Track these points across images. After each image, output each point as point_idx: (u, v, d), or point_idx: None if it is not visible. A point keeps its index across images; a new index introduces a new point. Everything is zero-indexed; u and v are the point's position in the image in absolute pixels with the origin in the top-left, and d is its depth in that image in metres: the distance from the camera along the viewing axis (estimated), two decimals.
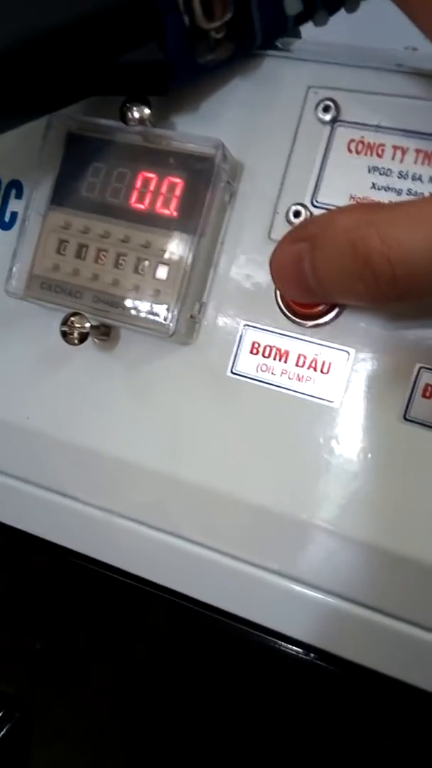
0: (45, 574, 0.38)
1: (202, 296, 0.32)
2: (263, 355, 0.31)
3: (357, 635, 0.30)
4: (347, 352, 0.30)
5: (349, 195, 0.30)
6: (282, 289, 0.30)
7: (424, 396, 0.29)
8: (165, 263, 0.31)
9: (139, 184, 0.32)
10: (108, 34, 0.29)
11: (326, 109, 0.30)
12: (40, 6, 0.27)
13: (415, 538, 0.29)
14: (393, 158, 0.30)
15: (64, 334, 0.31)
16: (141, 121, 0.31)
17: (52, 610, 0.38)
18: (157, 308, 0.31)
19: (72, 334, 0.31)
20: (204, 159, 0.30)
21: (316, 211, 0.30)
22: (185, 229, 0.31)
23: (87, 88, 0.31)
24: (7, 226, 0.35)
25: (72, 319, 0.31)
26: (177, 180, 0.31)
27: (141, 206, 0.31)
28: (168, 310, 0.30)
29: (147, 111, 0.31)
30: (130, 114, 0.31)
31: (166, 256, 0.31)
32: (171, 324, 0.30)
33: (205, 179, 0.30)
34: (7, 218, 0.35)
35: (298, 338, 0.31)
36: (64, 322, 0.31)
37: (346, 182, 0.30)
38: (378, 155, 0.30)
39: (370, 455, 0.29)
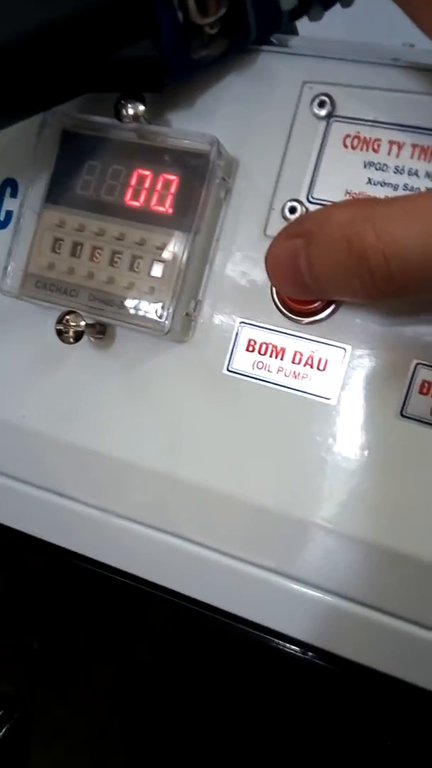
0: (43, 574, 0.38)
1: (197, 294, 0.32)
2: (259, 353, 0.31)
3: (356, 634, 0.30)
4: (344, 348, 0.30)
5: (344, 190, 0.30)
6: (278, 285, 0.30)
7: (420, 392, 0.29)
8: (160, 261, 0.31)
9: (134, 181, 0.31)
10: (102, 30, 0.28)
11: (321, 104, 0.30)
12: (34, 3, 0.27)
13: (414, 535, 0.29)
14: (389, 153, 0.29)
15: (60, 333, 0.31)
16: (135, 117, 0.31)
17: (51, 610, 0.38)
18: (152, 306, 0.30)
19: (67, 332, 0.31)
20: (199, 155, 0.30)
21: (312, 207, 0.30)
22: (180, 226, 0.30)
23: (81, 86, 0.31)
24: (2, 225, 0.35)
25: (67, 317, 0.31)
26: (172, 177, 0.31)
27: (136, 203, 0.31)
28: (163, 307, 0.30)
29: (141, 108, 0.31)
30: (124, 111, 0.31)
31: (162, 253, 0.31)
32: (166, 322, 0.30)
33: (200, 176, 0.30)
34: (2, 217, 0.35)
35: (294, 335, 0.31)
36: (59, 321, 0.31)
37: (341, 178, 0.30)
38: (374, 150, 0.30)
39: (367, 452, 0.29)
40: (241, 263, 0.32)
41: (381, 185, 0.29)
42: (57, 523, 0.35)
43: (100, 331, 0.33)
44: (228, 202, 0.32)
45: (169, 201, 0.31)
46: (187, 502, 0.32)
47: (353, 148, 0.30)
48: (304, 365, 0.30)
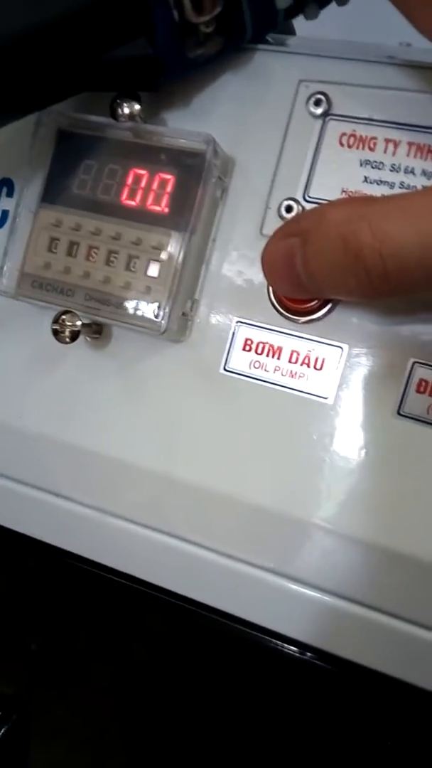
0: (40, 575, 0.37)
1: (194, 293, 0.32)
2: (256, 352, 0.31)
3: (354, 634, 0.30)
4: (340, 347, 0.30)
5: (341, 189, 0.30)
6: (274, 284, 0.30)
7: (418, 391, 0.28)
8: (156, 260, 0.30)
9: (130, 180, 0.31)
10: (97, 29, 0.28)
11: (317, 103, 0.30)
12: (29, 2, 0.27)
13: (412, 534, 0.29)
14: (385, 151, 0.29)
15: (56, 333, 0.31)
16: (131, 116, 0.31)
17: (49, 611, 0.38)
18: (148, 306, 0.30)
19: (63, 332, 0.31)
20: (195, 155, 0.30)
21: (308, 206, 0.30)
22: (176, 225, 0.30)
23: (77, 85, 0.31)
24: None
25: (63, 317, 0.31)
26: (168, 176, 0.31)
27: (132, 203, 0.31)
28: (159, 307, 0.30)
29: (137, 107, 0.31)
30: (120, 110, 0.31)
31: (158, 253, 0.30)
32: (162, 321, 0.30)
33: (196, 175, 0.30)
34: None
35: (291, 334, 0.31)
36: (55, 321, 0.31)
37: (338, 176, 0.30)
38: (370, 148, 0.29)
39: (364, 451, 0.29)
40: (238, 262, 0.32)
41: (377, 183, 0.29)
42: (54, 524, 0.35)
43: (97, 331, 0.33)
44: (224, 201, 0.32)
45: (165, 200, 0.31)
46: (185, 502, 0.32)
47: (349, 146, 0.30)
48: (301, 364, 0.30)
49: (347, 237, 0.23)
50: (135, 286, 0.31)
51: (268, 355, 0.31)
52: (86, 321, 0.31)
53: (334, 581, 0.30)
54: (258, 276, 0.31)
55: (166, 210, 0.31)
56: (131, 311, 0.31)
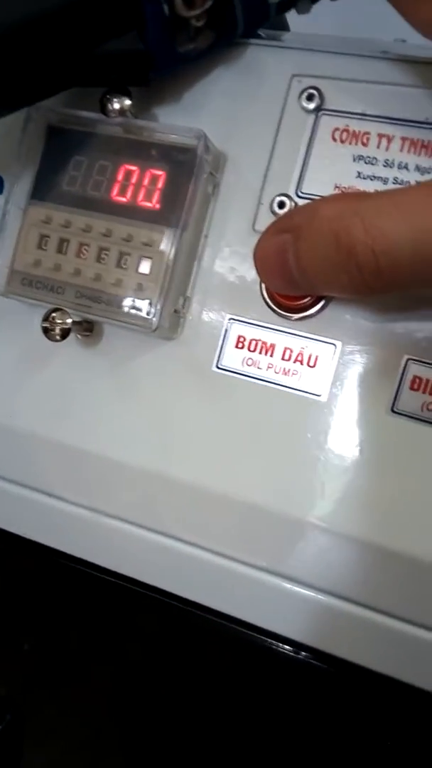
0: (32, 575, 0.37)
1: (186, 290, 0.32)
2: (249, 349, 0.31)
3: (349, 633, 0.30)
4: (334, 344, 0.30)
5: (334, 185, 0.30)
6: (266, 281, 0.30)
7: (411, 388, 0.28)
8: (148, 257, 0.30)
9: (120, 176, 0.31)
10: (87, 23, 0.28)
11: (310, 98, 0.30)
12: None
13: (406, 532, 0.29)
14: (378, 146, 0.29)
15: (46, 331, 0.30)
16: (122, 112, 0.30)
17: (42, 611, 0.38)
18: (139, 303, 0.30)
19: (53, 330, 0.30)
20: (186, 150, 0.30)
21: (301, 202, 0.30)
22: (168, 222, 0.30)
23: (67, 80, 0.31)
24: None
25: (53, 314, 0.30)
26: (159, 172, 0.30)
27: (123, 199, 0.31)
28: (151, 304, 0.30)
29: (128, 102, 0.30)
30: (110, 105, 0.30)
31: (149, 249, 0.30)
32: (154, 319, 0.30)
33: (187, 171, 0.30)
34: None
35: (284, 331, 0.30)
36: (45, 318, 0.30)
37: (331, 172, 0.30)
38: (363, 144, 0.29)
39: (358, 449, 0.29)
40: (230, 259, 0.31)
41: (371, 179, 0.29)
42: (46, 524, 0.34)
43: (88, 329, 0.32)
44: (216, 197, 0.32)
45: (156, 196, 0.30)
46: (178, 501, 0.32)
47: (342, 141, 0.30)
48: (294, 362, 0.30)
49: (339, 233, 0.23)
50: (126, 284, 0.30)
51: (261, 353, 0.31)
52: (77, 319, 0.31)
53: (328, 580, 0.30)
54: (251, 272, 0.31)
55: (158, 206, 0.30)
56: (122, 308, 0.30)
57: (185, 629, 0.34)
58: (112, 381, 0.32)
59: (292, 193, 0.30)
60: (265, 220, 0.30)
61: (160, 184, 0.30)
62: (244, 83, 0.31)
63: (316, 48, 0.30)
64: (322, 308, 0.30)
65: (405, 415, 0.28)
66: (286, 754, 0.34)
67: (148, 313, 0.30)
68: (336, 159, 0.30)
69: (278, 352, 0.30)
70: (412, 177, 0.29)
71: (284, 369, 0.30)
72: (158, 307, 0.30)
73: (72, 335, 0.31)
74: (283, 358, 0.30)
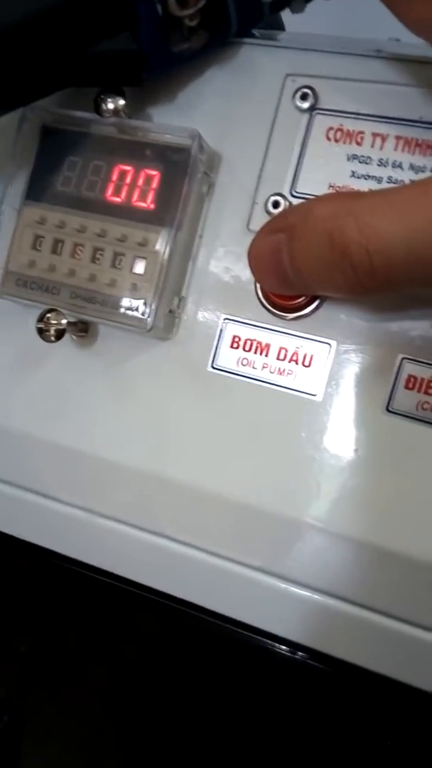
0: (28, 576, 0.37)
1: (181, 290, 0.32)
2: (244, 349, 0.31)
3: (345, 632, 0.30)
4: (329, 344, 0.30)
5: (328, 184, 0.30)
6: (261, 280, 0.30)
7: (406, 387, 0.28)
8: (142, 257, 0.30)
9: (115, 176, 0.31)
10: (80, 23, 0.28)
11: (304, 97, 0.30)
12: None
13: (402, 532, 0.28)
14: (372, 146, 0.29)
15: (41, 331, 0.30)
16: (116, 112, 0.30)
17: (37, 612, 0.38)
18: (134, 303, 0.30)
19: (48, 331, 0.30)
20: (180, 150, 0.30)
21: (296, 201, 0.30)
22: (162, 221, 0.30)
23: (60, 80, 0.30)
24: None
25: (48, 315, 0.30)
26: (153, 172, 0.30)
27: (117, 199, 0.31)
28: (146, 304, 0.30)
29: (122, 102, 0.30)
30: (104, 105, 0.30)
31: (144, 249, 0.30)
32: (149, 319, 0.30)
33: (181, 170, 0.30)
34: None
35: (278, 331, 0.30)
36: (40, 319, 0.30)
37: (325, 171, 0.30)
38: (357, 143, 0.29)
39: (353, 448, 0.29)
40: (225, 259, 0.31)
41: (365, 178, 0.29)
42: (41, 525, 0.34)
43: (83, 329, 0.32)
44: (210, 196, 0.32)
45: (150, 196, 0.30)
46: (173, 502, 0.32)
47: (336, 140, 0.30)
48: (289, 361, 0.30)
49: (333, 233, 0.23)
50: (121, 284, 0.30)
51: (256, 353, 0.30)
52: (72, 319, 0.31)
53: (324, 580, 0.30)
54: (245, 272, 0.31)
55: (152, 206, 0.30)
56: (117, 309, 0.30)
57: (181, 630, 0.34)
58: (107, 381, 0.32)
59: (286, 193, 0.30)
60: (259, 220, 0.30)
61: (154, 184, 0.30)
62: (238, 83, 0.31)
63: (310, 47, 0.30)
64: (317, 308, 0.30)
65: (400, 415, 0.28)
66: (283, 754, 0.34)
67: (143, 314, 0.30)
68: (330, 158, 0.30)
69: (273, 352, 0.30)
70: (407, 176, 0.29)
71: (279, 369, 0.30)
72: (153, 307, 0.30)
73: (67, 336, 0.31)
74: (278, 358, 0.30)
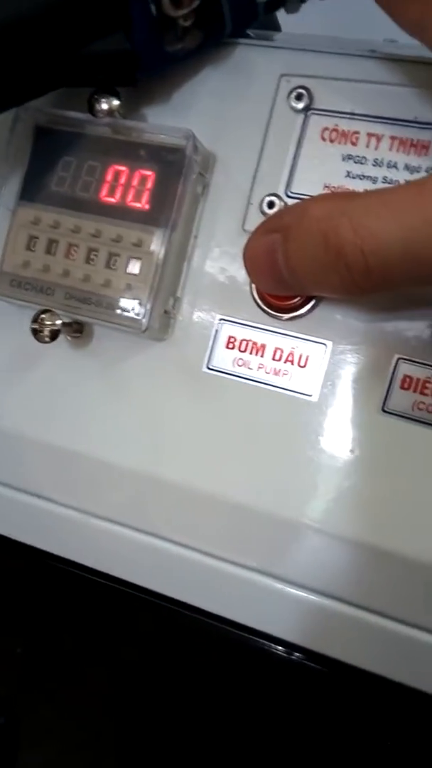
0: (22, 577, 0.37)
1: (176, 291, 0.31)
2: (239, 350, 0.31)
3: (342, 633, 0.30)
4: (324, 344, 0.30)
5: (323, 184, 0.30)
6: (256, 281, 0.30)
7: (402, 387, 0.28)
8: (137, 258, 0.30)
9: (109, 177, 0.31)
10: (74, 23, 0.28)
11: (299, 97, 0.30)
12: None
13: (398, 532, 0.28)
14: (367, 146, 0.29)
15: (35, 332, 0.30)
16: (110, 112, 0.30)
17: (33, 614, 0.38)
18: (129, 303, 0.30)
19: (42, 331, 0.30)
20: (175, 150, 0.30)
21: (291, 202, 0.30)
22: (157, 222, 0.30)
23: (54, 80, 0.30)
24: None
25: (42, 316, 0.30)
26: (148, 172, 0.30)
27: (112, 200, 0.31)
28: (141, 305, 0.30)
29: (116, 102, 0.30)
30: (98, 105, 0.30)
31: (138, 250, 0.30)
32: (144, 319, 0.30)
33: (176, 171, 0.30)
34: None
35: (274, 331, 0.30)
36: (35, 320, 0.30)
37: (320, 171, 0.30)
38: (352, 143, 0.29)
39: (349, 449, 0.29)
40: (220, 259, 0.31)
41: (360, 178, 0.29)
42: (36, 526, 0.34)
43: (78, 330, 0.32)
44: (206, 197, 0.32)
45: (145, 197, 0.30)
46: (169, 503, 0.32)
47: (331, 141, 0.30)
48: (285, 362, 0.30)
49: (328, 233, 0.23)
50: (115, 284, 0.30)
51: (251, 353, 0.30)
52: (66, 320, 0.31)
53: (320, 580, 0.30)
54: (241, 273, 0.31)
55: (147, 206, 0.30)
56: (112, 309, 0.30)
57: (178, 631, 0.34)
58: (102, 382, 0.32)
59: (281, 193, 0.30)
60: (254, 220, 0.30)
61: (149, 185, 0.30)
62: (233, 83, 0.31)
63: (305, 47, 0.30)
64: (313, 308, 0.30)
65: (396, 415, 0.28)
66: (280, 754, 0.34)
67: (137, 314, 0.30)
68: (325, 158, 0.30)
69: (269, 353, 0.30)
70: (402, 176, 0.29)
71: (275, 369, 0.30)
72: (148, 307, 0.30)
73: (62, 336, 0.31)
74: (273, 359, 0.30)
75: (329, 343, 0.30)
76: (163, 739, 0.36)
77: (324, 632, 0.30)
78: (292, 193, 0.30)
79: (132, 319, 0.30)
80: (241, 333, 0.31)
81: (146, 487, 0.32)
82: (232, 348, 0.31)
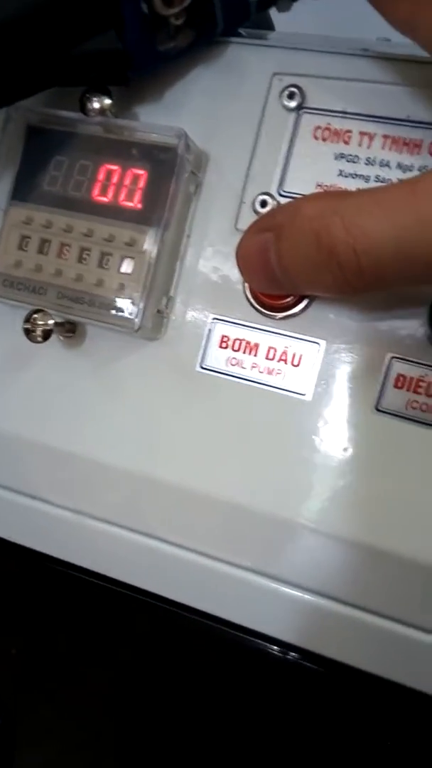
0: (17, 579, 0.37)
1: (169, 290, 0.31)
2: (233, 349, 0.30)
3: (338, 632, 0.30)
4: (318, 343, 0.29)
5: (316, 183, 0.30)
6: (249, 280, 0.29)
7: (396, 386, 0.28)
8: (130, 257, 0.30)
9: (101, 176, 0.31)
10: (65, 22, 0.28)
11: (291, 96, 0.30)
12: None
13: (393, 531, 0.28)
14: (360, 144, 0.29)
15: (27, 332, 0.30)
16: (101, 111, 0.30)
17: (28, 615, 0.38)
18: (122, 303, 0.30)
19: (35, 331, 0.30)
20: (167, 149, 0.30)
21: (283, 201, 0.30)
22: (149, 221, 0.30)
23: (46, 79, 0.30)
24: None
25: (35, 316, 0.30)
26: (140, 171, 0.30)
27: (104, 199, 0.31)
28: (133, 304, 0.30)
29: (107, 101, 0.30)
30: (89, 104, 0.30)
31: (131, 249, 0.30)
32: (137, 319, 0.30)
33: (168, 170, 0.30)
34: None
35: (267, 331, 0.30)
36: (27, 320, 0.30)
37: (312, 170, 0.30)
38: (344, 142, 0.29)
39: (343, 448, 0.29)
40: (213, 258, 0.31)
41: (352, 177, 0.29)
42: (30, 526, 0.34)
43: (70, 330, 0.32)
44: (198, 196, 0.31)
45: (137, 196, 0.30)
46: (163, 503, 0.32)
47: (324, 139, 0.29)
48: (278, 361, 0.30)
49: (320, 232, 0.23)
50: (108, 284, 0.30)
51: (244, 352, 0.30)
52: (59, 320, 0.31)
53: (315, 579, 0.30)
54: (234, 272, 0.31)
55: (139, 206, 0.30)
56: (105, 309, 0.30)
57: (173, 631, 0.34)
58: (95, 382, 0.32)
59: (274, 192, 0.30)
60: (247, 219, 0.30)
61: (141, 184, 0.30)
62: (225, 82, 0.31)
63: (297, 46, 0.30)
64: (306, 307, 0.30)
65: (389, 414, 0.28)
66: (277, 754, 0.34)
67: (130, 314, 0.30)
68: (318, 157, 0.29)
69: (262, 352, 0.30)
70: (394, 175, 0.28)
71: (268, 368, 0.30)
72: (141, 307, 0.30)
73: (54, 336, 0.31)
74: (267, 358, 0.30)
75: (323, 342, 0.29)
76: (160, 739, 0.36)
77: (319, 632, 0.30)
78: (284, 191, 0.30)
79: (125, 318, 0.30)
80: (234, 332, 0.31)
81: (140, 488, 0.32)
82: (226, 347, 0.31)
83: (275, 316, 0.30)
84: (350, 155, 0.29)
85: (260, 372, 0.30)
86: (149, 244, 0.30)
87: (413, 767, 0.31)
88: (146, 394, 0.32)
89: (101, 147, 0.31)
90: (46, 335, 0.30)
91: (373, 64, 0.29)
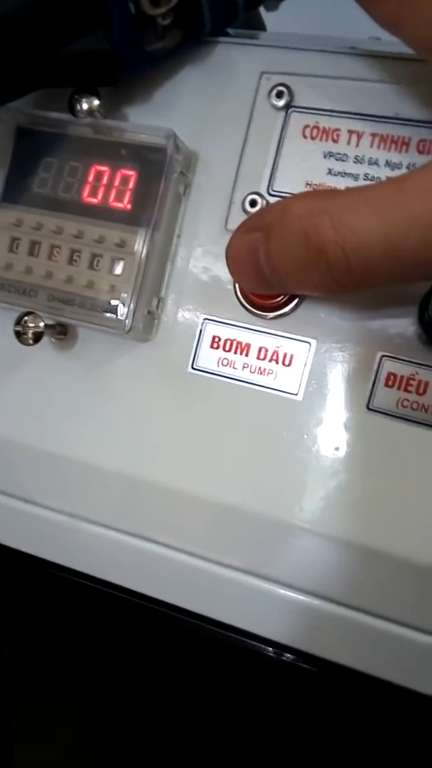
0: (10, 583, 0.37)
1: (159, 291, 0.31)
2: (224, 349, 0.30)
3: (332, 633, 0.30)
4: (308, 343, 0.29)
5: (305, 182, 0.29)
6: (238, 280, 0.29)
7: (386, 385, 0.28)
8: (120, 258, 0.30)
9: (91, 177, 0.31)
10: (52, 23, 0.28)
11: (279, 95, 0.30)
12: None
13: (386, 530, 0.28)
14: (349, 143, 0.29)
15: (18, 335, 0.30)
16: (90, 112, 0.30)
17: (21, 619, 0.38)
18: (112, 304, 0.30)
19: (26, 334, 0.30)
20: (156, 150, 0.30)
21: (273, 200, 0.30)
22: (139, 222, 0.30)
23: (34, 81, 0.30)
24: None
25: (25, 318, 0.30)
26: (130, 172, 0.30)
27: (94, 200, 0.31)
28: (124, 305, 0.30)
29: (96, 102, 0.30)
30: (78, 105, 0.30)
31: (121, 250, 0.30)
32: (127, 320, 0.29)
33: (158, 170, 0.30)
34: None
35: (258, 331, 0.30)
36: (18, 322, 0.30)
37: (301, 169, 0.30)
38: (333, 140, 0.29)
39: (334, 447, 0.29)
40: (203, 258, 0.31)
41: (341, 176, 0.29)
42: (23, 530, 0.34)
43: (61, 332, 0.32)
44: (188, 196, 0.31)
45: (127, 197, 0.30)
46: (156, 504, 0.32)
47: (312, 138, 0.29)
48: (270, 361, 0.30)
49: (309, 231, 0.23)
50: (99, 285, 0.30)
51: (236, 352, 0.30)
52: (50, 322, 0.31)
53: (310, 580, 0.30)
54: (224, 272, 0.31)
55: (129, 206, 0.30)
56: (96, 311, 0.30)
57: (168, 633, 0.34)
58: (86, 384, 0.32)
59: (263, 192, 0.30)
60: (237, 219, 0.30)
61: (131, 185, 0.30)
62: (214, 82, 0.31)
63: (285, 45, 0.30)
64: (296, 307, 0.30)
65: (381, 412, 0.28)
66: (273, 754, 0.34)
67: (121, 315, 0.30)
68: (307, 156, 0.29)
69: (253, 352, 0.30)
70: (383, 173, 0.28)
71: (260, 368, 0.30)
72: (131, 308, 0.30)
73: (45, 339, 0.31)
74: (258, 358, 0.30)
75: (313, 342, 0.29)
76: (155, 741, 0.36)
77: (314, 632, 0.30)
78: (274, 191, 0.30)
79: (116, 320, 0.30)
80: (225, 332, 0.31)
81: (133, 490, 0.32)
82: (217, 348, 0.31)
83: (266, 315, 0.30)
84: (339, 154, 0.29)
85: (252, 372, 0.30)
86: (139, 245, 0.30)
87: (409, 767, 0.31)
88: (138, 395, 0.32)
89: (91, 148, 0.31)
90: (37, 338, 0.30)
91: (360, 62, 0.29)
